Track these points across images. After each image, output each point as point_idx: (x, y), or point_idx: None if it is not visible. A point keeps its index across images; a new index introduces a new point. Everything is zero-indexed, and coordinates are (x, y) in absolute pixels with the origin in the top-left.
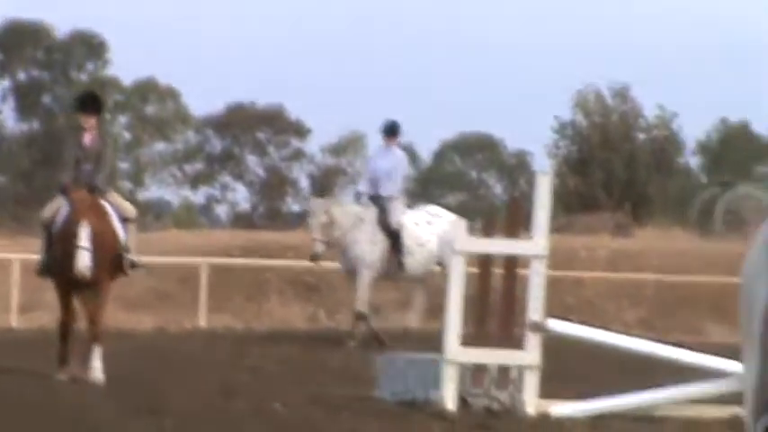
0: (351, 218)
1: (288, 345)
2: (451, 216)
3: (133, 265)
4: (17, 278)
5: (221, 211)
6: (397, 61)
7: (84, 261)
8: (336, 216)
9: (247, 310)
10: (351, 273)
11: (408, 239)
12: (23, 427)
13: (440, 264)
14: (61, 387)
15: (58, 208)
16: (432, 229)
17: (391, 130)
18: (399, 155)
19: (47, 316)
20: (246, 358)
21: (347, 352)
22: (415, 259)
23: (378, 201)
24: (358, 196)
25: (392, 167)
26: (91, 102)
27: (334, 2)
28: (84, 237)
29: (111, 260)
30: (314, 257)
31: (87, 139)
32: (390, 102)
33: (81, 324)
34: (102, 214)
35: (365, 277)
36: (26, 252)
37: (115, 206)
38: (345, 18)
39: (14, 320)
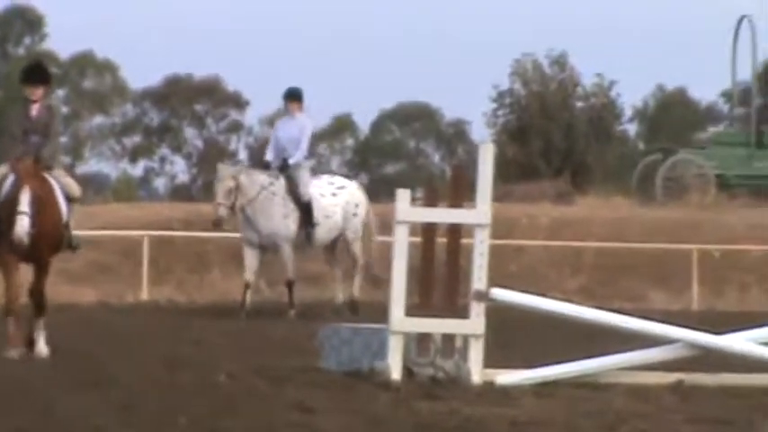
0: (257, 187)
1: (230, 317)
2: (354, 186)
3: (73, 246)
4: None
5: (160, 183)
6: (335, 31)
7: (23, 226)
8: (243, 183)
9: (189, 283)
10: (259, 245)
11: (316, 211)
12: None
13: (341, 234)
14: (3, 362)
15: (3, 177)
16: (336, 200)
17: (294, 96)
18: (304, 121)
19: None
20: (190, 331)
21: (290, 323)
22: (321, 231)
23: (285, 169)
24: (266, 165)
25: (297, 134)
26: (38, 72)
27: None
28: (24, 202)
29: (52, 232)
30: (217, 222)
31: (34, 110)
32: (328, 72)
33: (24, 299)
34: (45, 184)
35: (287, 250)
36: None
37: (60, 183)
38: None
39: None
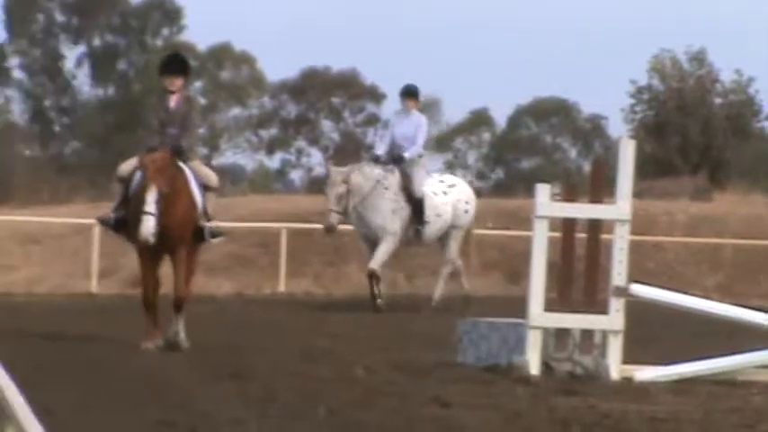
0: (371, 182)
1: (367, 310)
2: (465, 185)
3: (213, 235)
4: (97, 244)
5: (296, 176)
6: (471, 26)
7: (148, 227)
8: (355, 183)
9: (326, 276)
10: (370, 240)
11: (428, 209)
12: (108, 393)
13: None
14: (144, 354)
15: (136, 167)
16: (447, 199)
17: (410, 93)
18: (420, 118)
19: (124, 281)
20: (327, 323)
21: (428, 317)
22: (432, 229)
23: (400, 165)
24: (375, 159)
25: (413, 131)
26: (177, 63)
27: None
28: (150, 201)
29: (184, 226)
30: (329, 229)
31: (173, 101)
32: (465, 67)
33: (166, 291)
34: (177, 178)
35: (389, 243)
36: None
37: (196, 172)
38: None
39: (94, 286)
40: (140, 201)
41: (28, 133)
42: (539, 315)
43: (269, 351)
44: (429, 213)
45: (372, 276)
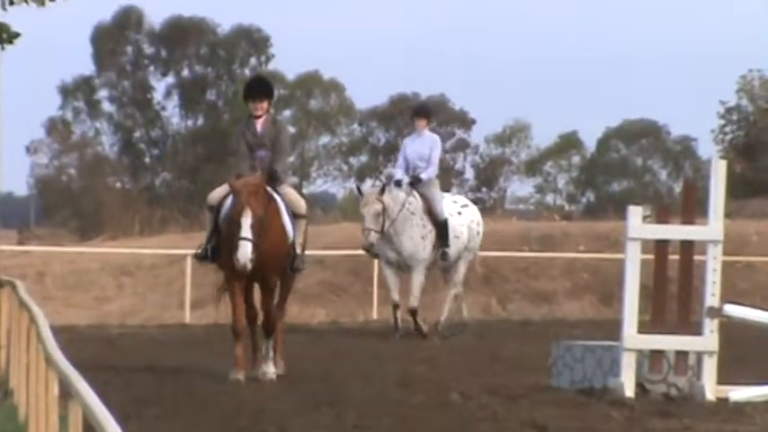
0: (398, 206)
1: (462, 334)
2: (474, 207)
3: (293, 268)
4: (189, 274)
5: None
6: (559, 51)
7: (245, 253)
8: (387, 203)
9: (420, 302)
10: (398, 265)
11: (450, 231)
12: (206, 424)
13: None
14: (237, 384)
15: (227, 193)
16: (462, 220)
17: (422, 112)
18: (433, 138)
19: (217, 311)
20: (421, 350)
21: (521, 341)
22: (452, 251)
23: (418, 187)
24: (397, 183)
25: (427, 151)
26: (261, 86)
27: None
28: (246, 226)
29: (277, 253)
30: (367, 248)
31: (259, 125)
32: (553, 91)
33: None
34: (270, 204)
35: (421, 273)
36: (197, 247)
37: (286, 200)
38: (509, 7)
39: (188, 317)
40: (235, 226)
41: (118, 165)
42: (633, 337)
43: (364, 378)
44: (450, 235)
45: (415, 313)
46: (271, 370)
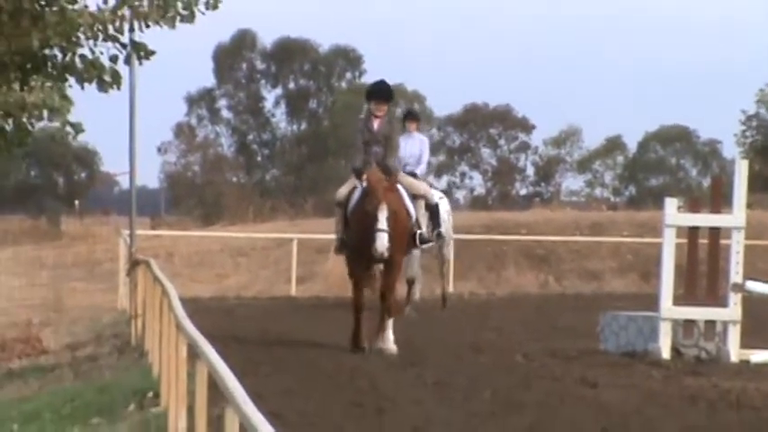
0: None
1: (524, 307)
2: (446, 198)
3: (423, 241)
4: (295, 254)
5: (460, 195)
6: (607, 64)
7: (382, 243)
8: None
9: (488, 279)
10: None
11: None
12: (308, 380)
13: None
14: (334, 349)
15: (352, 188)
16: (444, 205)
17: (413, 116)
18: (422, 138)
19: (318, 286)
20: (490, 319)
21: (574, 312)
22: (445, 228)
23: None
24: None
25: (418, 151)
26: (384, 91)
27: (557, 13)
28: (382, 219)
29: (404, 237)
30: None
31: (376, 123)
32: (601, 98)
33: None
34: (396, 195)
35: (416, 251)
36: (302, 232)
37: (405, 185)
38: (565, 26)
39: (294, 290)
40: (368, 217)
41: (235, 163)
42: (669, 309)
43: (442, 343)
44: (443, 217)
45: (411, 283)
46: (391, 345)
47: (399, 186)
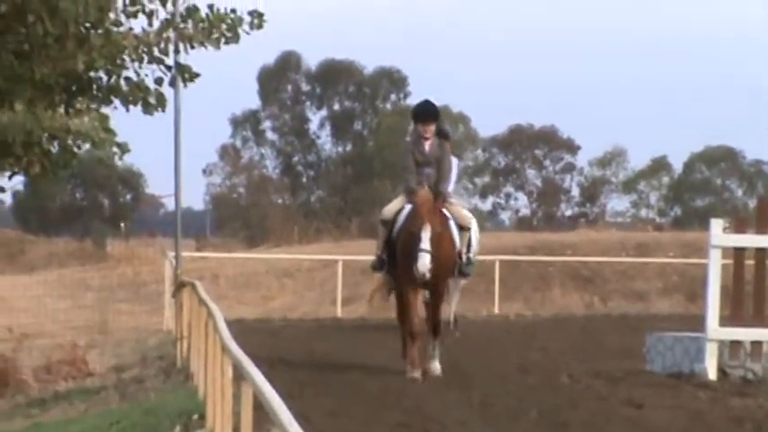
0: None
1: (570, 328)
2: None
3: (462, 273)
4: (340, 276)
5: (505, 216)
6: (648, 84)
7: (424, 263)
8: None
9: (534, 300)
10: None
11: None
12: (354, 401)
13: None
14: (382, 369)
15: (400, 208)
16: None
17: (443, 136)
18: (453, 160)
19: (363, 307)
20: (535, 340)
21: (620, 333)
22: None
23: None
24: None
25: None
26: (430, 111)
27: (602, 33)
28: (426, 239)
29: (448, 262)
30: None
31: (427, 145)
32: (646, 120)
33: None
34: (442, 218)
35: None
36: (347, 253)
37: (454, 214)
38: (610, 46)
39: (339, 311)
40: (415, 239)
41: (280, 185)
42: (715, 329)
43: (488, 364)
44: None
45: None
46: (437, 367)
47: (446, 212)
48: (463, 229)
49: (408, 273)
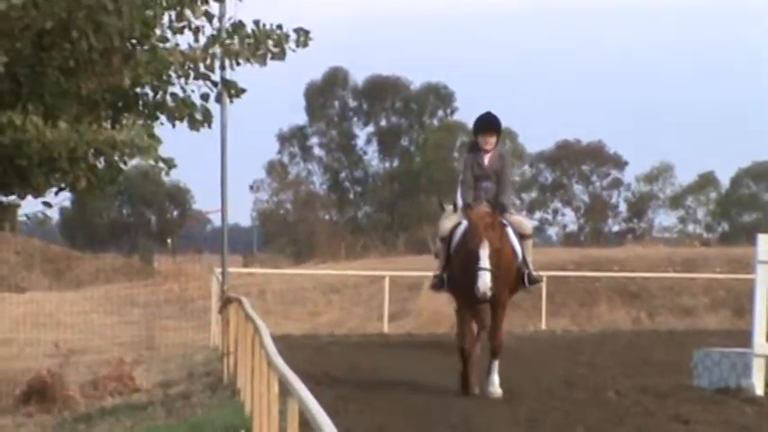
0: None
1: (616, 343)
2: None
3: (532, 281)
4: (387, 292)
5: (552, 232)
6: (702, 99)
7: (485, 282)
8: None
9: (581, 315)
10: None
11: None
12: (400, 417)
13: None
14: (427, 382)
15: (456, 224)
16: None
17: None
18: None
19: (410, 323)
20: (582, 355)
21: (667, 348)
22: None
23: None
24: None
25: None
26: (491, 123)
27: (649, 49)
28: (484, 257)
29: (509, 277)
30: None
31: (486, 158)
32: (692, 135)
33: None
34: (501, 232)
35: None
36: (394, 269)
37: (514, 224)
38: (656, 61)
39: (386, 327)
40: (473, 256)
41: (327, 201)
42: (762, 345)
43: (535, 378)
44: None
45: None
46: (497, 390)
47: (505, 223)
48: (524, 237)
49: (469, 291)
